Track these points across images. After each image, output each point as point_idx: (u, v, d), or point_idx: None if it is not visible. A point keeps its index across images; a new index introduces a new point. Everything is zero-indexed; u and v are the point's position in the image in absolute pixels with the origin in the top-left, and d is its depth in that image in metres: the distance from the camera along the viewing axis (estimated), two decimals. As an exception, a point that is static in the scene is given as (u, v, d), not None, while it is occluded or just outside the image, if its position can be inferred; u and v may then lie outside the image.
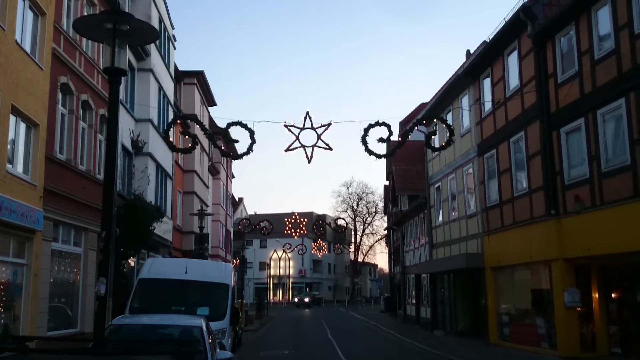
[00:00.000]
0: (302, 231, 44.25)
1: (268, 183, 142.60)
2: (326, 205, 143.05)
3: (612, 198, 14.55)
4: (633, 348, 15.22)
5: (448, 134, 16.15)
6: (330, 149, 15.30)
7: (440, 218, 27.33)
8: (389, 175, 44.39)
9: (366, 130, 14.91)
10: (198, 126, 15.98)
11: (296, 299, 68.38)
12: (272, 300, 70.03)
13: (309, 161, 15.27)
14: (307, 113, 15.26)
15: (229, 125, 14.94)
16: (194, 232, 29.43)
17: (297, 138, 15.17)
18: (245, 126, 14.72)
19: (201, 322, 9.05)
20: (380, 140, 14.94)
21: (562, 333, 16.46)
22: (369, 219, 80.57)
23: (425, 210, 29.87)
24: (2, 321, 12.77)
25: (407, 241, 36.58)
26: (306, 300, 66.74)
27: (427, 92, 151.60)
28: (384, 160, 44.63)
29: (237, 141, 15.65)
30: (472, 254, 22.48)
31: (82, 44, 16.87)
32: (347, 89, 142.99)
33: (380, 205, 71.85)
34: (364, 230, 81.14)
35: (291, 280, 75.69)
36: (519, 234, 18.85)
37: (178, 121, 16.86)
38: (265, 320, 39.22)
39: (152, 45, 22.74)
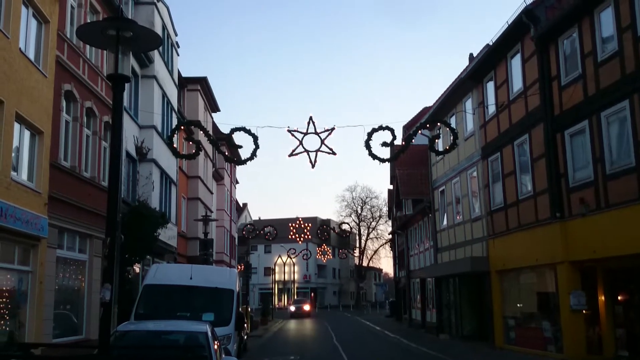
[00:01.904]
0: (306, 236, 44.01)
1: (272, 188, 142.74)
2: (330, 210, 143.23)
3: (617, 200, 14.50)
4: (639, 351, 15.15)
5: (452, 138, 16.15)
6: (334, 153, 15.30)
7: (445, 222, 27.28)
8: (392, 180, 44.32)
9: (369, 135, 14.89)
10: (202, 132, 16.01)
11: (292, 308, 55.96)
12: (277, 306, 69.80)
13: (313, 166, 15.28)
14: (311, 118, 15.27)
15: (233, 130, 14.95)
16: (198, 238, 29.44)
17: (301, 143, 15.18)
18: (248, 132, 14.74)
19: (206, 328, 9.04)
20: (384, 144, 14.94)
21: (568, 336, 16.39)
22: (373, 224, 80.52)
23: (429, 214, 29.82)
24: (7, 328, 12.78)
25: (412, 245, 36.52)
26: (306, 308, 54.67)
27: (430, 96, 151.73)
28: (387, 165, 44.62)
29: (240, 147, 15.64)
30: (477, 258, 22.43)
31: (86, 51, 16.94)
32: (351, 94, 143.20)
33: (385, 209, 71.81)
34: (368, 234, 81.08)
35: (296, 285, 75.57)
36: (524, 237, 18.79)
37: (182, 127, 16.85)
38: (269, 325, 39.15)
39: (156, 52, 22.81)
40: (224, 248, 40.07)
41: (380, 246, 79.77)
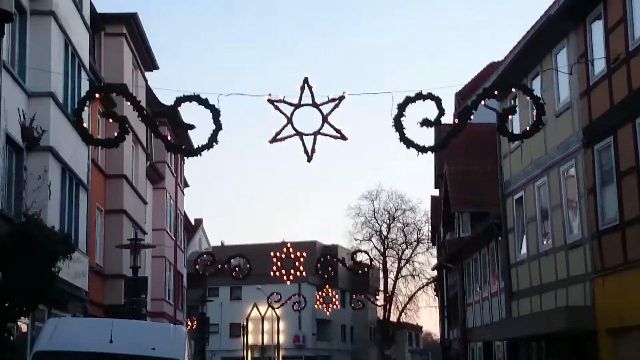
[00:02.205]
0: (298, 272, 44.00)
1: (243, 195, 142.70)
2: (338, 230, 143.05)
3: None
4: None
5: (535, 113, 16.12)
6: (344, 138, 15.29)
7: (524, 249, 27.28)
8: (438, 181, 44.38)
9: (402, 107, 14.84)
10: (129, 103, 15.96)
11: None
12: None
13: (309, 158, 15.26)
14: (306, 80, 15.18)
15: (180, 100, 14.89)
16: (123, 276, 29.41)
17: (290, 121, 15.13)
18: (205, 102, 14.69)
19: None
20: (425, 123, 14.90)
21: None
22: (408, 252, 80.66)
23: (498, 238, 29.85)
24: None
25: (470, 288, 36.54)
26: None
27: (499, 48, 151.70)
28: (431, 157, 44.68)
29: (192, 127, 15.63)
30: (576, 308, 22.43)
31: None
32: (369, 47, 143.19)
33: (426, 229, 71.94)
34: (399, 270, 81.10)
35: (282, 352, 75.60)
36: (653, 274, 18.80)
37: (96, 95, 16.83)
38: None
39: (54, -27, 22.80)
40: (165, 292, 40.07)
41: (419, 289, 79.90)
